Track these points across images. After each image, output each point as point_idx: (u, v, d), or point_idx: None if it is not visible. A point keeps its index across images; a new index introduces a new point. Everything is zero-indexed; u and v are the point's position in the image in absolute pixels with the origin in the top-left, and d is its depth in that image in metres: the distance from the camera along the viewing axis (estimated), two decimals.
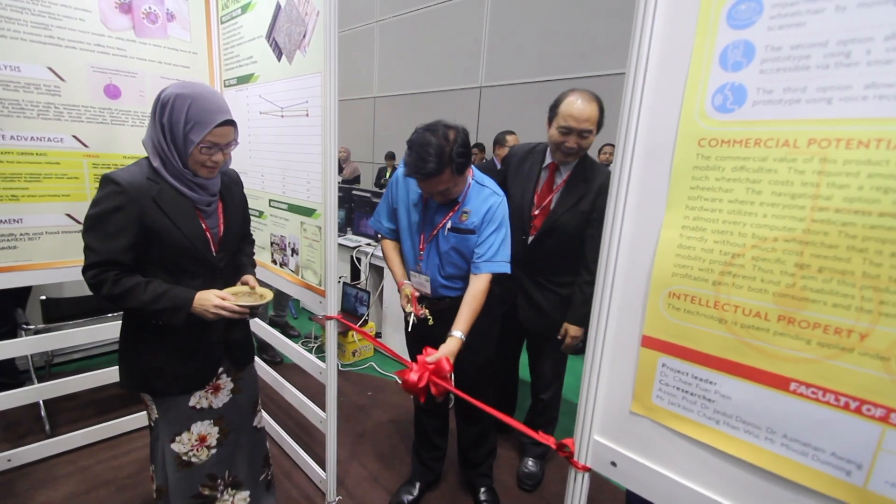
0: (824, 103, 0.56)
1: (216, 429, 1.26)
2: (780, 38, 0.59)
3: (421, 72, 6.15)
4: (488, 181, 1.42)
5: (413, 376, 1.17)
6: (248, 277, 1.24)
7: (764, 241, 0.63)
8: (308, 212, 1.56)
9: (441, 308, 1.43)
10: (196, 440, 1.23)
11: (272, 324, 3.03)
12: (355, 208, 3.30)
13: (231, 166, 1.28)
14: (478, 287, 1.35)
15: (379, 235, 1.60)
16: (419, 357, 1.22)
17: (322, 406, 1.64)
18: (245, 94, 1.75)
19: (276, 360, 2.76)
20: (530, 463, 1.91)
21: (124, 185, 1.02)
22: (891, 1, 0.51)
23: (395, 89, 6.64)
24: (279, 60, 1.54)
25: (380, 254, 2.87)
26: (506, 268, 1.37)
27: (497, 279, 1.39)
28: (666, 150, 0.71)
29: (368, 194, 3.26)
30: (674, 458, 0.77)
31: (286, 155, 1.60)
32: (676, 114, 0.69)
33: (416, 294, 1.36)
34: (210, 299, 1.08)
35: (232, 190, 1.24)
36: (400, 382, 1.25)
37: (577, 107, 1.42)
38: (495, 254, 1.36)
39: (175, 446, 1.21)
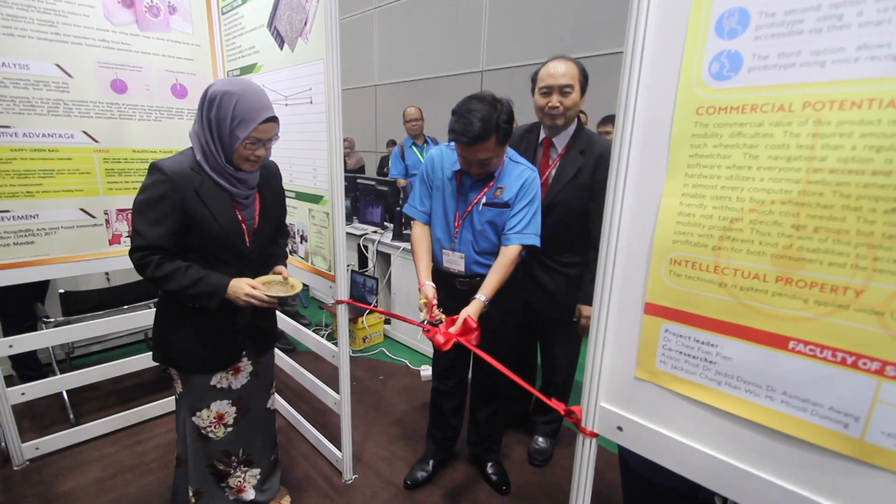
0: (818, 66, 0.58)
1: (234, 409, 1.33)
2: (773, 4, 0.60)
3: (421, 58, 6.10)
4: (521, 158, 1.47)
5: (440, 338, 1.25)
6: (280, 268, 1.30)
7: (761, 204, 0.65)
8: (315, 199, 1.59)
9: (473, 287, 1.45)
10: (214, 417, 1.30)
11: (283, 313, 3.09)
12: (361, 197, 3.33)
13: None
14: (507, 256, 1.39)
15: (404, 222, 1.60)
16: (446, 319, 1.30)
17: (336, 388, 1.69)
18: None
19: (289, 348, 2.83)
20: (541, 440, 1.96)
21: (169, 174, 1.09)
22: None
23: (395, 76, 6.61)
24: (281, 49, 1.57)
25: (387, 240, 2.91)
26: (535, 240, 1.41)
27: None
28: (665, 119, 0.73)
29: (373, 182, 3.28)
30: (678, 420, 0.80)
31: (292, 143, 1.63)
32: (675, 83, 0.71)
33: (435, 301, 1.37)
34: (242, 287, 1.15)
35: (270, 182, 1.30)
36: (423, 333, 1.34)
37: (554, 66, 1.46)
38: (526, 226, 1.40)
39: (195, 420, 1.29)
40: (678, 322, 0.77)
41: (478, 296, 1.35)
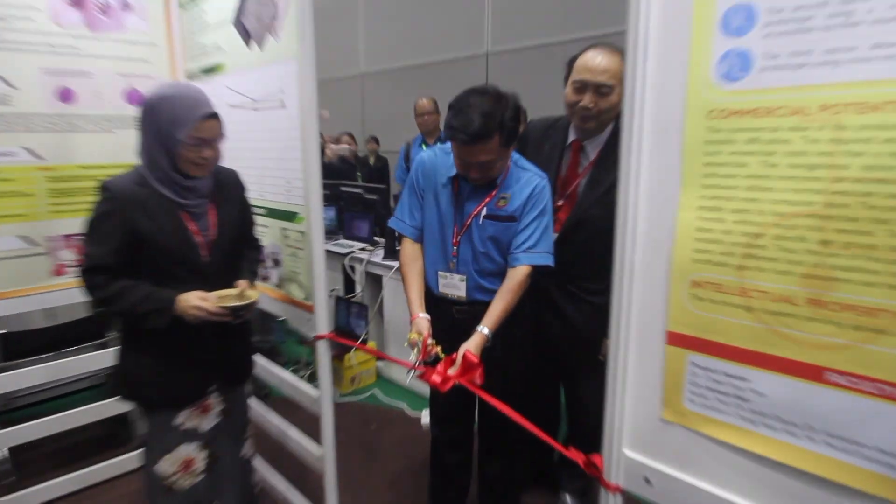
0: (831, 66, 0.64)
1: (203, 454, 1.43)
2: (780, 0, 0.67)
3: (415, 40, 6.26)
4: (528, 164, 1.52)
5: (437, 378, 1.31)
6: (239, 282, 1.41)
7: (784, 217, 0.71)
8: (289, 216, 1.67)
9: (473, 315, 1.48)
10: (181, 464, 1.40)
11: (260, 351, 3.15)
12: (345, 208, 3.42)
13: None
14: (514, 280, 1.44)
15: (397, 237, 1.64)
16: (445, 357, 1.35)
17: (318, 441, 1.74)
18: (212, 86, 1.88)
19: (264, 393, 2.88)
20: (568, 499, 1.98)
21: (113, 191, 1.25)
22: None
23: (385, 63, 6.77)
24: (248, 47, 1.67)
25: (377, 260, 2.99)
26: (548, 259, 1.46)
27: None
28: (676, 124, 0.80)
29: (360, 191, 3.38)
30: (712, 468, 0.85)
31: (262, 152, 1.72)
32: (682, 85, 0.77)
33: (430, 338, 1.40)
34: (189, 300, 1.26)
35: (228, 191, 1.43)
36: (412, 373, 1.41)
37: (595, 59, 1.45)
38: (536, 243, 1.44)
39: (160, 466, 1.39)
40: (705, 353, 0.82)
41: (479, 328, 1.41)
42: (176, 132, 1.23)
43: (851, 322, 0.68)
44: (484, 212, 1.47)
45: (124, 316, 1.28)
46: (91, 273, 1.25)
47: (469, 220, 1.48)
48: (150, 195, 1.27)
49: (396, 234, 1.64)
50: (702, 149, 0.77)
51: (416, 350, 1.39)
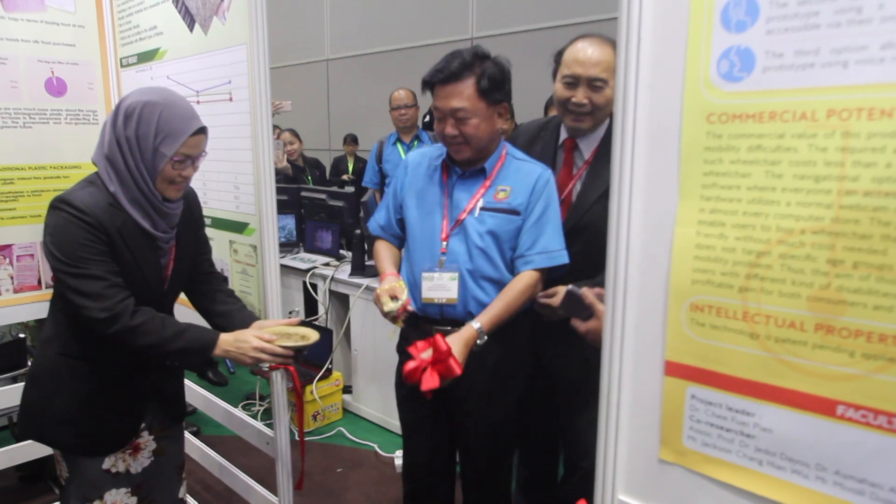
0: (840, 67, 0.67)
1: (134, 499, 1.41)
2: None
3: (390, 22, 6.31)
4: (525, 155, 1.60)
5: (410, 364, 1.33)
6: (261, 322, 1.44)
7: (790, 234, 0.73)
8: (238, 227, 1.66)
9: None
10: None
11: (202, 381, 3.09)
12: (307, 216, 3.40)
13: None
14: (522, 282, 1.48)
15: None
16: (417, 345, 1.37)
17: (273, 489, 1.71)
18: (148, 75, 1.87)
19: (193, 430, 2.83)
20: None
21: (87, 211, 1.20)
22: None
23: (355, 47, 6.81)
24: (191, 31, 1.67)
25: (343, 276, 2.97)
26: (563, 257, 1.51)
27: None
28: (672, 127, 0.82)
29: (323, 196, 3.36)
30: None
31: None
32: (679, 83, 0.80)
33: (405, 292, 1.47)
34: (249, 340, 1.30)
35: (191, 213, 1.44)
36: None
37: (585, 51, 1.52)
38: (549, 242, 1.49)
39: None
40: (706, 385, 0.84)
41: (472, 322, 1.40)
42: (162, 147, 1.22)
43: (863, 350, 0.70)
44: (481, 204, 1.51)
45: (147, 350, 1.25)
46: (114, 299, 1.19)
47: (463, 215, 1.51)
48: (127, 222, 1.25)
49: (366, 245, 1.69)
50: (701, 156, 0.79)
51: (391, 304, 1.43)
